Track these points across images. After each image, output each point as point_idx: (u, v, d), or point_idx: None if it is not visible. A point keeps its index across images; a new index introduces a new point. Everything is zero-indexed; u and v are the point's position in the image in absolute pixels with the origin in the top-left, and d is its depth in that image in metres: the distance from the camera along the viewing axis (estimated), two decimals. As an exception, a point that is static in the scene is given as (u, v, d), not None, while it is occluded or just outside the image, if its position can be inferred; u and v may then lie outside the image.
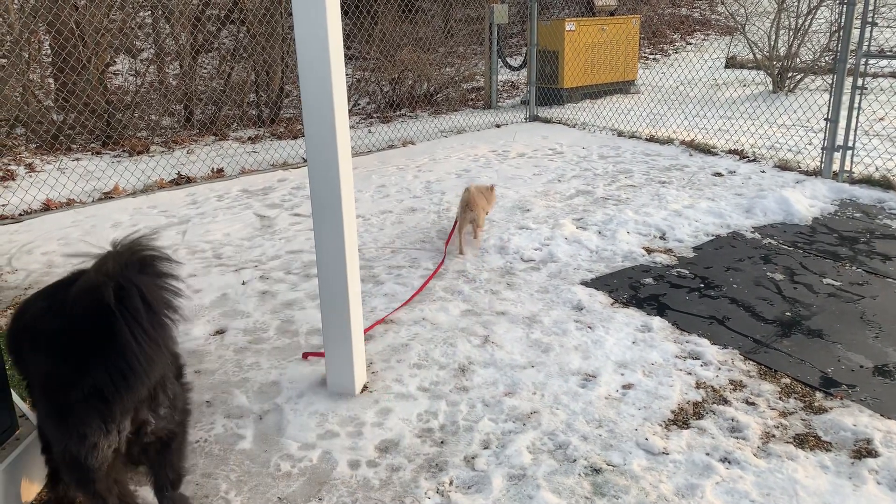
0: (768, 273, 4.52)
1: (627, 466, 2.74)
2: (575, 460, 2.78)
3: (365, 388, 3.30)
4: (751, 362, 3.50)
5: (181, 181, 6.88)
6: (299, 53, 2.85)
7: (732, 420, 3.03)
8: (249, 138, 9.01)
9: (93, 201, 6.38)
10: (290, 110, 10.85)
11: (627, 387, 3.30)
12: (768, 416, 3.05)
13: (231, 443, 2.94)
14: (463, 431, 2.98)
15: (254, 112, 10.28)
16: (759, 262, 4.70)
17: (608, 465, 2.76)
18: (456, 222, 4.99)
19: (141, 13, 10.85)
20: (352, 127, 9.79)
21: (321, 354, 3.53)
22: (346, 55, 13.34)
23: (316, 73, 2.85)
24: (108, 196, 6.49)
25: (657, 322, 3.89)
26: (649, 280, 4.45)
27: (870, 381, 3.31)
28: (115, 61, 10.46)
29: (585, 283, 4.40)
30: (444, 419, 3.07)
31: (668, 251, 4.88)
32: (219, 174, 7.12)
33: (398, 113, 10.87)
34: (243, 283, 4.46)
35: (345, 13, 12.47)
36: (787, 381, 3.34)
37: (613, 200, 5.95)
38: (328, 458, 2.82)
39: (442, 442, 2.92)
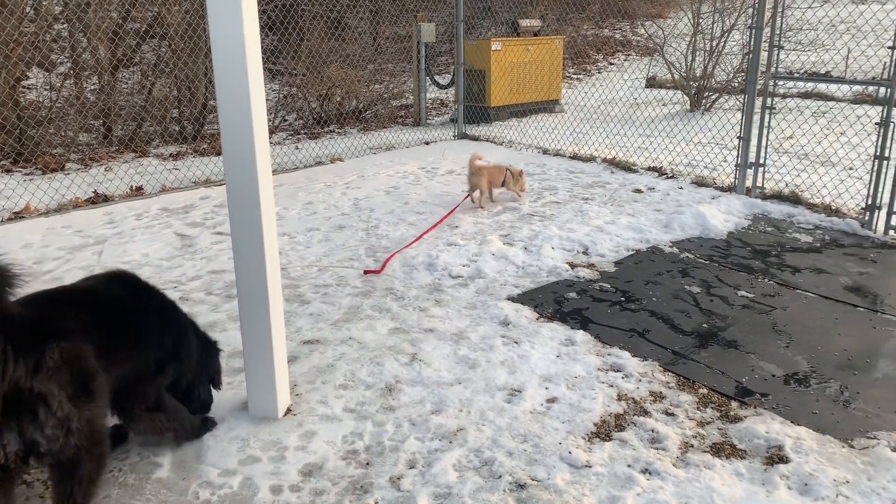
0: (686, 286, 4.67)
1: (551, 481, 2.77)
2: (500, 476, 2.80)
3: (289, 410, 3.24)
4: (670, 373, 3.60)
5: (98, 200, 6.64)
6: (216, 69, 2.80)
7: (653, 431, 3.10)
8: (171, 155, 8.77)
9: (2, 221, 6.08)
10: (214, 126, 10.61)
11: (552, 400, 3.34)
12: (687, 427, 3.14)
13: (147, 471, 2.83)
14: (389, 452, 2.96)
15: (176, 128, 10.03)
16: (677, 275, 4.85)
17: (533, 480, 2.78)
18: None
19: (56, 26, 10.46)
20: (279, 143, 9.66)
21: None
22: (273, 71, 13.21)
23: (233, 89, 2.81)
24: (18, 216, 6.20)
25: (580, 336, 3.96)
26: (573, 294, 4.53)
27: (781, 390, 3.45)
28: (27, 75, 10.04)
29: (512, 299, 4.45)
30: (369, 440, 3.04)
31: (590, 266, 4.99)
32: (138, 192, 6.90)
33: (326, 129, 10.80)
34: (162, 305, 4.31)
35: (271, 29, 12.37)
36: (705, 391, 3.45)
37: (539, 217, 6.05)
38: (249, 485, 2.75)
39: (367, 463, 2.89)
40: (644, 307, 4.38)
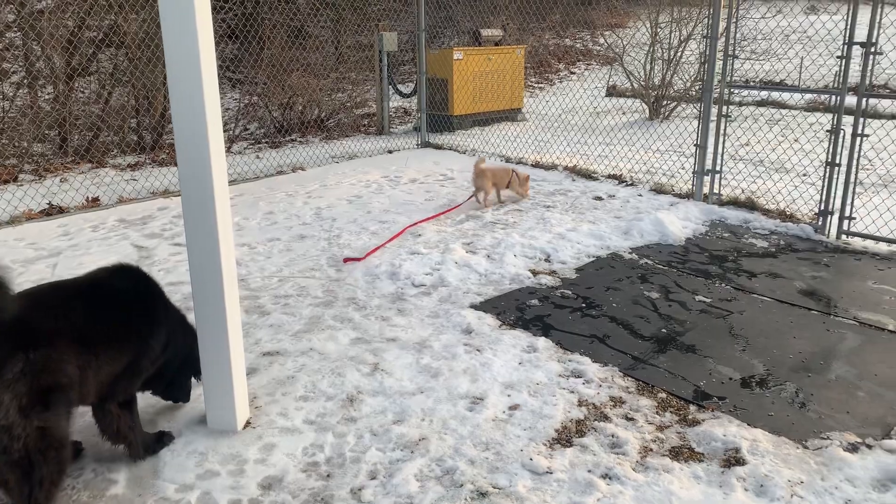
0: (645, 292, 4.73)
1: (513, 488, 2.78)
2: (462, 485, 2.79)
3: (248, 423, 3.19)
4: (630, 379, 3.64)
5: (52, 211, 6.49)
6: (170, 78, 2.77)
7: (613, 436, 3.13)
8: (129, 165, 8.63)
9: (-49, 234, 5.91)
10: (173, 135, 10.48)
11: (514, 408, 3.35)
12: (646, 431, 3.17)
13: (102, 488, 2.77)
14: (350, 463, 2.93)
15: (134, 138, 9.87)
16: (636, 281, 4.91)
17: (494, 487, 2.78)
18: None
19: (8, 34, 10.23)
20: (240, 153, 9.57)
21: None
22: (233, 80, 13.08)
23: (188, 98, 2.77)
24: (-32, 228, 6.04)
25: (542, 342, 3.98)
26: (535, 301, 4.56)
27: (738, 393, 3.51)
28: (-22, 84, 9.79)
29: (475, 307, 4.46)
30: (330, 452, 3.01)
31: (552, 273, 5.03)
32: (94, 203, 6.76)
33: (288, 138, 10.72)
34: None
35: (231, 37, 12.27)
36: (664, 395, 3.49)
37: (501, 224, 6.08)
38: (208, 500, 2.70)
39: (328, 475, 2.86)
40: (604, 313, 4.42)
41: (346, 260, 5.21)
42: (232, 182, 7.66)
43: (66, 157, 8.87)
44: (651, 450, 3.04)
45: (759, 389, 3.54)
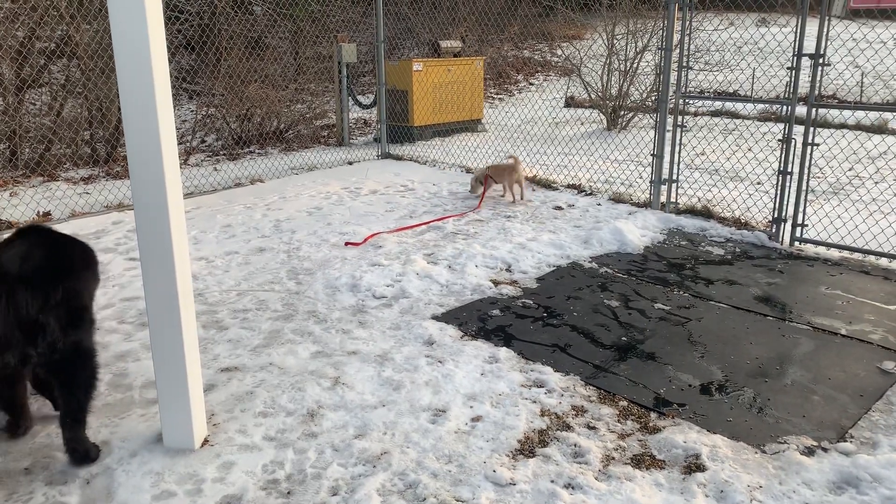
0: (605, 300, 4.77)
1: (476, 500, 2.76)
2: (425, 499, 2.76)
3: (206, 441, 3.12)
4: (591, 387, 3.65)
5: (1, 226, 6.29)
6: (122, 90, 2.70)
7: (575, 445, 3.13)
8: (82, 178, 8.43)
9: None
10: (126, 148, 10.26)
11: (476, 419, 3.33)
12: (608, 440, 3.19)
13: (52, 514, 2.67)
14: (311, 479, 2.88)
15: (88, 150, 9.64)
16: (596, 290, 4.95)
17: (458, 500, 2.76)
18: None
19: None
20: (196, 165, 9.42)
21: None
22: (191, 91, 12.90)
23: (140, 109, 2.71)
24: (-89, 244, 5.80)
25: (504, 352, 3.98)
26: (496, 312, 4.56)
27: (697, 399, 3.55)
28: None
29: (436, 318, 4.44)
30: (290, 468, 2.95)
31: (513, 283, 5.04)
32: (45, 218, 6.58)
33: (246, 150, 10.60)
34: (70, 336, 4.10)
35: (190, 48, 12.09)
36: (625, 403, 3.51)
37: (462, 235, 6.08)
38: (163, 522, 2.63)
39: (288, 493, 2.80)
40: (565, 322, 4.44)
41: (348, 244, 5.77)
42: (188, 195, 7.54)
43: (16, 171, 8.63)
44: (613, 458, 3.05)
45: (717, 395, 3.59)
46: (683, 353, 4.05)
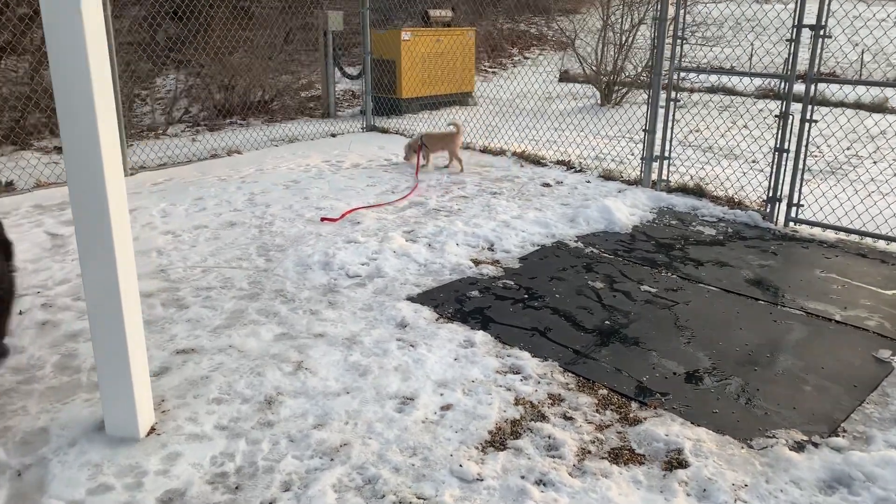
0: (589, 282, 4.55)
1: (439, 498, 2.55)
2: (384, 496, 2.56)
3: (153, 430, 2.90)
4: (570, 374, 3.44)
5: (-40, 196, 6.03)
6: (49, 47, 2.44)
7: (549, 438, 2.92)
8: (56, 148, 8.12)
9: None
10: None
11: (446, 408, 3.12)
12: (585, 431, 2.98)
13: (-24, 509, 2.46)
14: (262, 473, 2.67)
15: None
16: (581, 270, 4.73)
17: (419, 498, 2.56)
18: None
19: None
20: (175, 135, 9.12)
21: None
22: (177, 60, 12.52)
23: (71, 70, 2.45)
24: None
25: (480, 336, 3.76)
26: (475, 293, 4.33)
27: (682, 388, 3.35)
28: None
29: (412, 299, 4.22)
30: (241, 460, 2.74)
31: (495, 262, 4.81)
32: (8, 188, 6.30)
33: (228, 121, 10.28)
34: (20, 313, 3.87)
35: (178, 17, 11.69)
36: (605, 392, 3.30)
37: (445, 212, 5.83)
38: (96, 519, 2.41)
39: (237, 487, 2.59)
40: (547, 304, 4.22)
41: (324, 219, 5.52)
42: (161, 166, 7.26)
43: (-13, 139, 8.30)
44: (589, 452, 2.85)
45: (703, 384, 3.38)
46: (669, 338, 3.84)
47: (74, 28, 2.38)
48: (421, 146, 7.21)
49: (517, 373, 3.43)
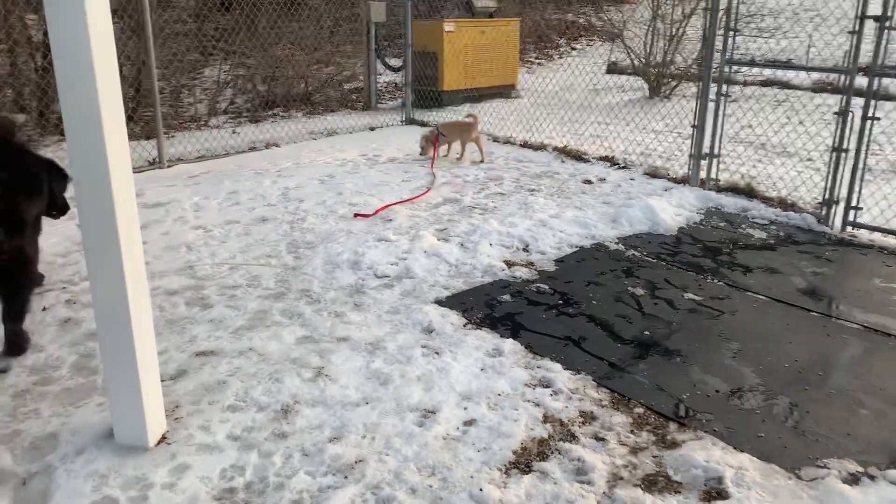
0: (629, 287, 4.31)
1: (456, 525, 2.39)
2: (397, 521, 2.40)
3: (163, 438, 2.80)
4: (604, 389, 3.24)
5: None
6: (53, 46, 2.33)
7: (579, 460, 2.73)
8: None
9: None
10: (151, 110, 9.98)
11: (469, 423, 2.95)
12: (617, 455, 2.78)
13: (-22, 519, 2.39)
14: (272, 490, 2.54)
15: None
16: (621, 275, 4.50)
17: (434, 524, 2.40)
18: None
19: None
20: (217, 127, 9.11)
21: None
22: (226, 51, 12.56)
23: (75, 69, 2.34)
24: None
25: (509, 345, 3.58)
26: (507, 297, 4.15)
27: (725, 408, 3.11)
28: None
29: (440, 302, 4.05)
30: (251, 475, 2.61)
31: (529, 265, 4.61)
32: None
33: (270, 113, 10.25)
34: (43, 310, 3.83)
35: (227, 8, 11.71)
36: (641, 410, 3.09)
37: (480, 209, 5.65)
38: (96, 535, 2.32)
39: (244, 504, 2.47)
40: (582, 311, 4.01)
41: (357, 216, 5.40)
42: (199, 158, 7.23)
43: (45, 131, 8.40)
44: (621, 478, 2.65)
45: (748, 404, 3.14)
46: (713, 351, 3.59)
47: (77, 26, 2.27)
48: (437, 136, 7.06)
49: (547, 386, 3.24)
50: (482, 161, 7.19)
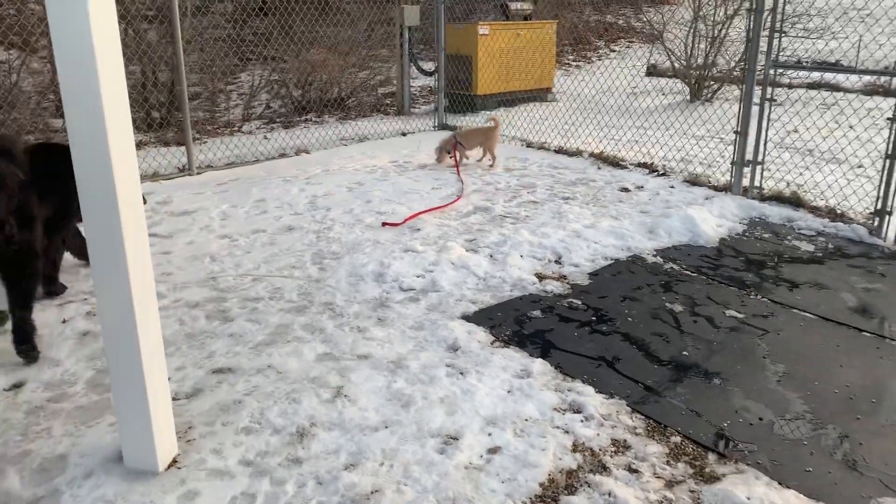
0: (667, 303, 4.10)
1: (475, 567, 2.22)
2: (412, 560, 2.25)
3: (174, 462, 2.69)
4: (638, 416, 3.04)
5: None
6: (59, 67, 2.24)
7: (609, 495, 2.55)
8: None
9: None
10: (192, 113, 10.02)
11: (493, 451, 2.79)
12: (651, 489, 2.59)
13: (-21, 546, 2.30)
14: (282, 521, 2.41)
15: (142, 114, 9.45)
16: (658, 290, 4.28)
17: (452, 565, 2.24)
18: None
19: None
20: (249, 132, 9.09)
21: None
22: (264, 56, 12.61)
23: (79, 80, 2.24)
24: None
25: (538, 365, 3.40)
26: (537, 313, 3.97)
27: (769, 439, 2.89)
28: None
29: (466, 317, 3.89)
30: (262, 504, 2.49)
31: (561, 278, 4.43)
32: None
33: (304, 118, 10.21)
34: (63, 322, 3.77)
35: (264, 12, 11.75)
36: (678, 439, 2.89)
37: (512, 218, 5.47)
38: (96, 569, 2.21)
39: (252, 537, 2.34)
40: (617, 329, 3.81)
41: (385, 224, 5.28)
42: (229, 165, 7.19)
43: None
44: (655, 516, 2.45)
45: (795, 434, 2.92)
46: (756, 375, 3.37)
47: (83, 33, 2.17)
48: (456, 144, 6.94)
49: (578, 411, 3.06)
50: (492, 166, 7.11)
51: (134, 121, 7.11)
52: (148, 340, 2.51)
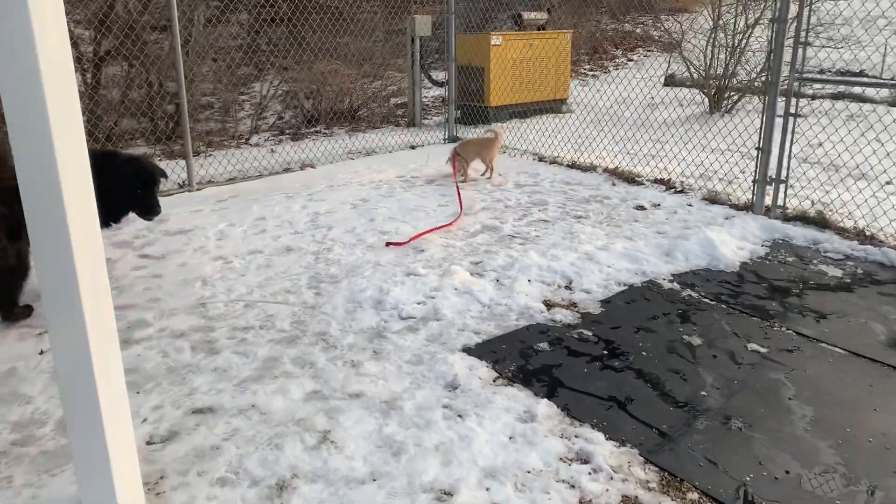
0: (685, 336, 3.82)
1: None
2: None
3: (139, 519, 2.46)
4: (651, 467, 2.77)
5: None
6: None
7: (618, 566, 2.28)
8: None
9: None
10: (207, 124, 9.89)
11: (491, 509, 2.53)
12: (665, 558, 2.31)
13: None
14: None
15: (150, 126, 9.30)
16: (675, 320, 4.00)
17: None
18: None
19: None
20: (257, 145, 8.91)
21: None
22: (275, 66, 12.46)
23: (24, 103, 2.02)
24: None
25: (544, 407, 3.14)
26: (544, 345, 3.70)
27: (796, 495, 2.61)
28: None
29: (468, 350, 3.64)
30: (230, 572, 2.25)
31: (571, 305, 4.16)
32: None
33: (313, 130, 10.01)
34: (41, 353, 3.56)
35: (279, 20, 11.61)
36: (695, 495, 2.62)
37: (521, 239, 5.21)
38: None
39: None
40: (630, 364, 3.54)
41: (389, 244, 5.07)
42: (230, 180, 7.00)
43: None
44: (669, 592, 2.18)
45: (824, 490, 2.64)
46: (781, 419, 3.09)
47: (27, 51, 1.95)
48: (455, 156, 6.76)
49: (585, 462, 2.79)
50: (489, 178, 6.97)
51: (141, 132, 6.98)
52: (109, 390, 2.28)
